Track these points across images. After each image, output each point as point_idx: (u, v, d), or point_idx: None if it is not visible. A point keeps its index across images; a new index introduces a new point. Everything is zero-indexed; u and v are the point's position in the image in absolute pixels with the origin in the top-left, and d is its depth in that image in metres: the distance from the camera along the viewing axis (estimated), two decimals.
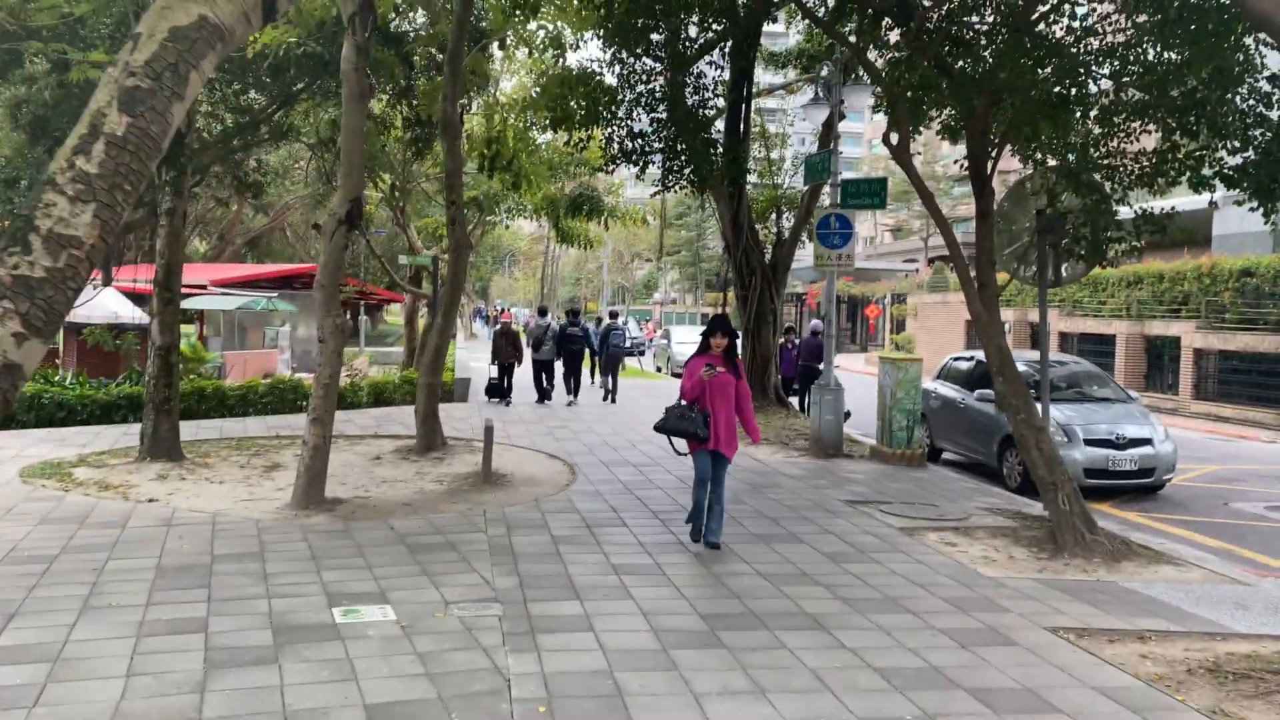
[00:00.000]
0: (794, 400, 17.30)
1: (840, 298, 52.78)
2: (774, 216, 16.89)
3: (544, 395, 18.81)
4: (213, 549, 7.21)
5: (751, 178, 16.92)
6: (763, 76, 19.85)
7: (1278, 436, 18.37)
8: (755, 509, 9.22)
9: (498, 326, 22.84)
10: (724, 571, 6.97)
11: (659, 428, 7.78)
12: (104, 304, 21.00)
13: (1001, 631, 5.75)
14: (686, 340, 31.48)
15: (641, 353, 38.36)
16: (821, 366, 16.73)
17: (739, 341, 8.81)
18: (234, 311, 25.99)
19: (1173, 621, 6.10)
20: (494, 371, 18.81)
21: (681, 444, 7.80)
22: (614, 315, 22.02)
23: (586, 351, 20.16)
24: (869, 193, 13.09)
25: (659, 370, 31.82)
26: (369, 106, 12.98)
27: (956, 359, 14.24)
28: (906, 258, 62.47)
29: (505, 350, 18.67)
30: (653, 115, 13.87)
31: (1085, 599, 6.55)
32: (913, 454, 12.56)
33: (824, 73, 16.72)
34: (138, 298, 25.83)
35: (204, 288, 25.92)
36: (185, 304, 25.41)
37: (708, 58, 15.44)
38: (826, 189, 14.02)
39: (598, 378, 21.31)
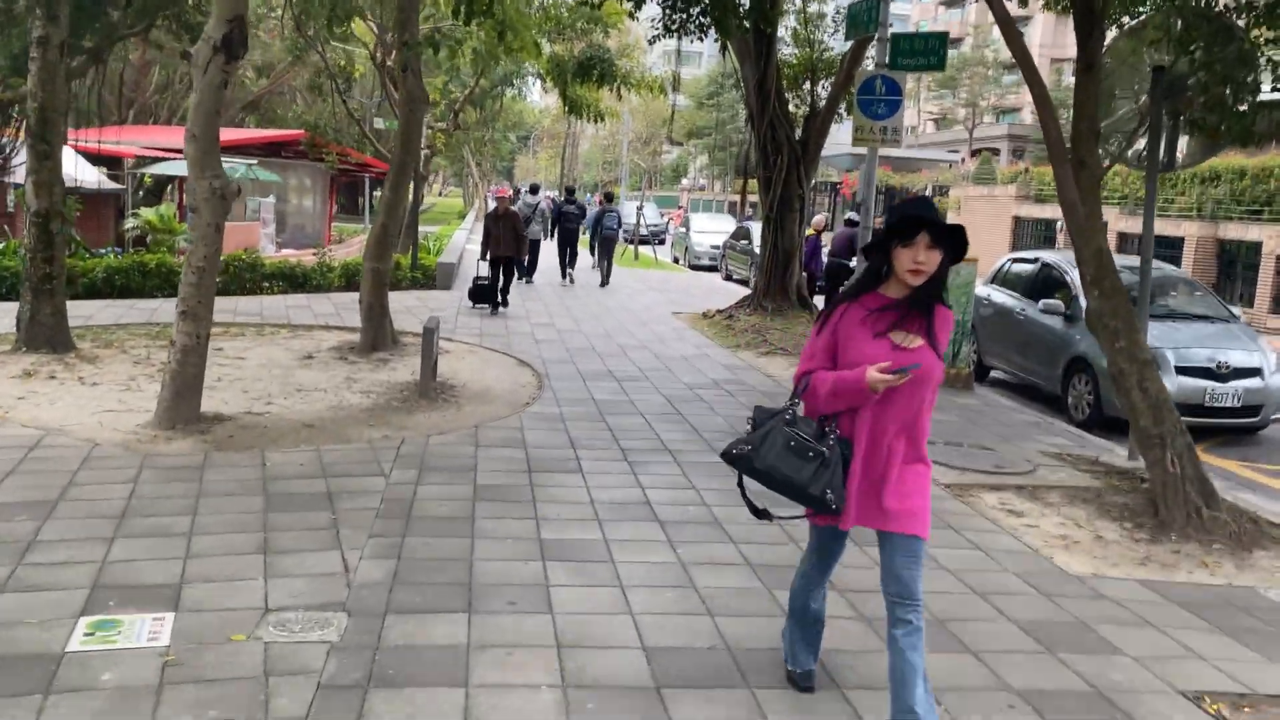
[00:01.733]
0: (819, 301, 15.07)
1: (877, 188, 49.76)
2: (808, 84, 14.32)
3: (527, 274, 18.62)
4: None
5: (783, 35, 14.25)
6: None
7: None
8: None
9: (538, 221, 20.04)
10: (693, 558, 4.93)
11: (735, 458, 3.27)
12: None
13: (1119, 703, 3.68)
14: (707, 229, 29.05)
15: (661, 241, 35.88)
16: (854, 264, 14.48)
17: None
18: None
19: None
20: (482, 268, 14.29)
21: (785, 504, 3.37)
22: (609, 198, 21.16)
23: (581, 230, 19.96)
24: (924, 50, 10.55)
25: (676, 261, 29.47)
26: None
27: (1016, 260, 11.89)
28: (949, 148, 58.89)
29: (499, 239, 14.17)
30: None
31: (1222, 624, 4.47)
32: (958, 374, 10.38)
33: None
34: (102, 160, 23.67)
35: (179, 152, 23.65)
36: (154, 170, 23.28)
37: None
38: (872, 49, 11.48)
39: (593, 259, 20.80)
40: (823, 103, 14.25)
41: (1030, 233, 28.99)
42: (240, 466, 5.90)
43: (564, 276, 19.36)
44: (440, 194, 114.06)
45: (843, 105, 13.88)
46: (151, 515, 4.96)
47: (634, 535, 5.09)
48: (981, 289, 11.46)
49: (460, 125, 20.99)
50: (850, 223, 15.07)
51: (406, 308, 14.18)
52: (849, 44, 12.65)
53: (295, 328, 11.94)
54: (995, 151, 57.07)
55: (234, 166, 23.07)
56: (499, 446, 6.71)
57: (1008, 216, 29.60)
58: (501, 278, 14.17)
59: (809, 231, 15.49)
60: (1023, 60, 6.69)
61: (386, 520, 5.08)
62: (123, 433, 6.57)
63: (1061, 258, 10.96)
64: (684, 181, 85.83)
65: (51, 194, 8.93)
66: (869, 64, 12.12)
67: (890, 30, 10.72)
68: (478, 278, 14.19)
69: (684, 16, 11.49)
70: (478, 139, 54.02)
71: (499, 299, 14.01)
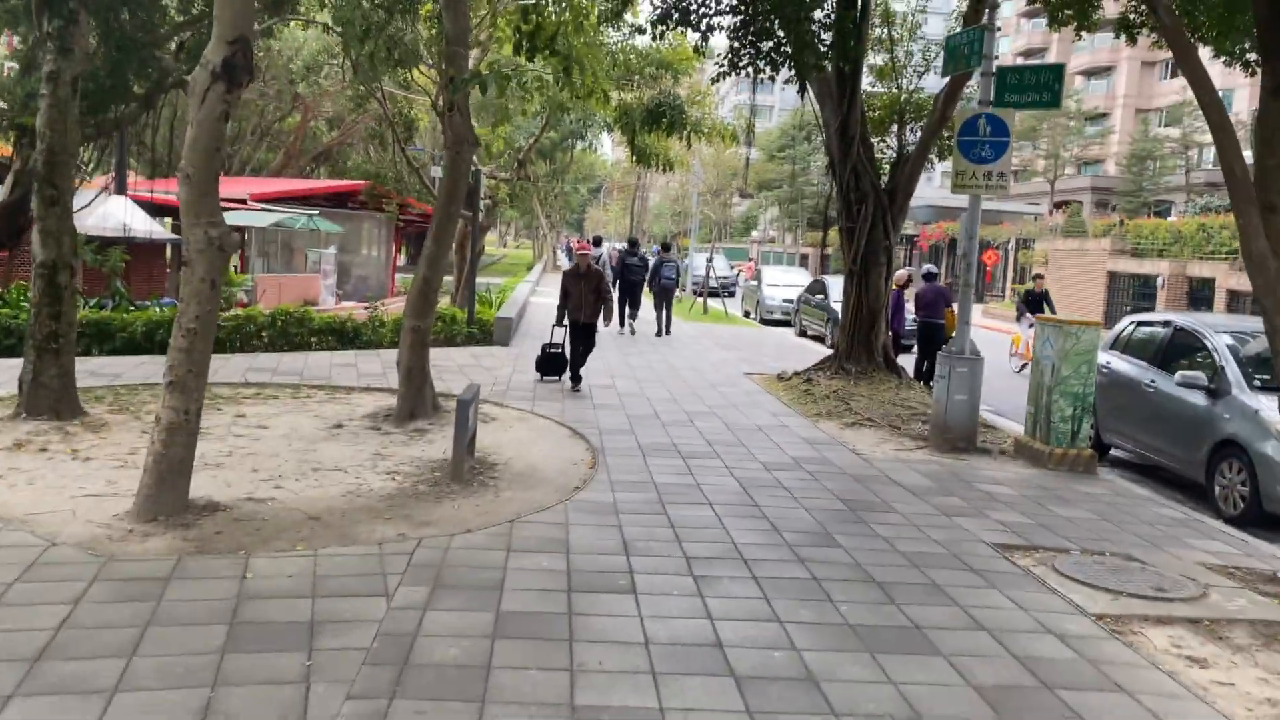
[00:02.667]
0: (906, 363, 13.69)
1: (956, 240, 47.94)
2: (894, 128, 13.10)
3: None
4: None
5: (868, 74, 13.07)
6: None
7: None
8: (852, 558, 5.80)
9: (606, 274, 18.75)
10: None
11: None
12: (113, 214, 18.45)
13: None
14: (779, 282, 27.80)
15: (731, 293, 34.69)
16: (943, 322, 13.12)
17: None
18: (273, 230, 23.36)
19: None
20: (556, 334, 12.29)
21: None
22: (665, 248, 21.31)
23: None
24: (1036, 85, 9.27)
25: (747, 315, 28.23)
26: None
27: (1141, 323, 10.40)
28: (1029, 201, 56.88)
29: (580, 302, 11.78)
30: None
31: None
32: (1079, 456, 8.93)
33: None
34: (156, 209, 23.42)
35: (243, 202, 23.38)
36: None
37: None
38: (971, 85, 10.25)
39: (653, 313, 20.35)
40: (911, 148, 13.01)
41: (1127, 288, 27.15)
42: (215, 579, 4.80)
43: (623, 326, 19.09)
44: (505, 245, 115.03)
45: (934, 151, 12.63)
46: (75, 658, 3.85)
47: (701, 702, 3.82)
48: (1100, 355, 10.01)
49: (525, 175, 20.21)
50: (929, 276, 13.72)
51: (459, 366, 13.19)
52: (945, 80, 11.43)
53: (334, 389, 10.98)
54: (1078, 204, 54.98)
55: (294, 217, 22.65)
56: (536, 551, 5.51)
57: (1101, 271, 27.80)
58: (579, 349, 11.93)
59: (892, 285, 14.19)
60: (1198, 82, 5.41)
61: (375, 669, 3.89)
62: (95, 525, 5.54)
63: (1197, 321, 9.47)
64: (754, 234, 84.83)
65: (60, 244, 8.10)
66: (968, 102, 10.89)
67: (995, 63, 9.47)
68: (549, 345, 12.24)
69: (754, 53, 10.37)
70: (547, 190, 53.93)
71: (574, 376, 11.79)
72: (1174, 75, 57.11)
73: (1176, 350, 9.45)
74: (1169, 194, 52.48)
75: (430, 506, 6.37)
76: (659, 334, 18.87)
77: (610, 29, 19.24)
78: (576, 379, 11.77)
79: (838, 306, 21.53)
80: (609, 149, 79.51)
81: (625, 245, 22.13)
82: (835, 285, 22.78)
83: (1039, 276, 18.87)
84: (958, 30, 10.20)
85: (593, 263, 12.25)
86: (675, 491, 7.13)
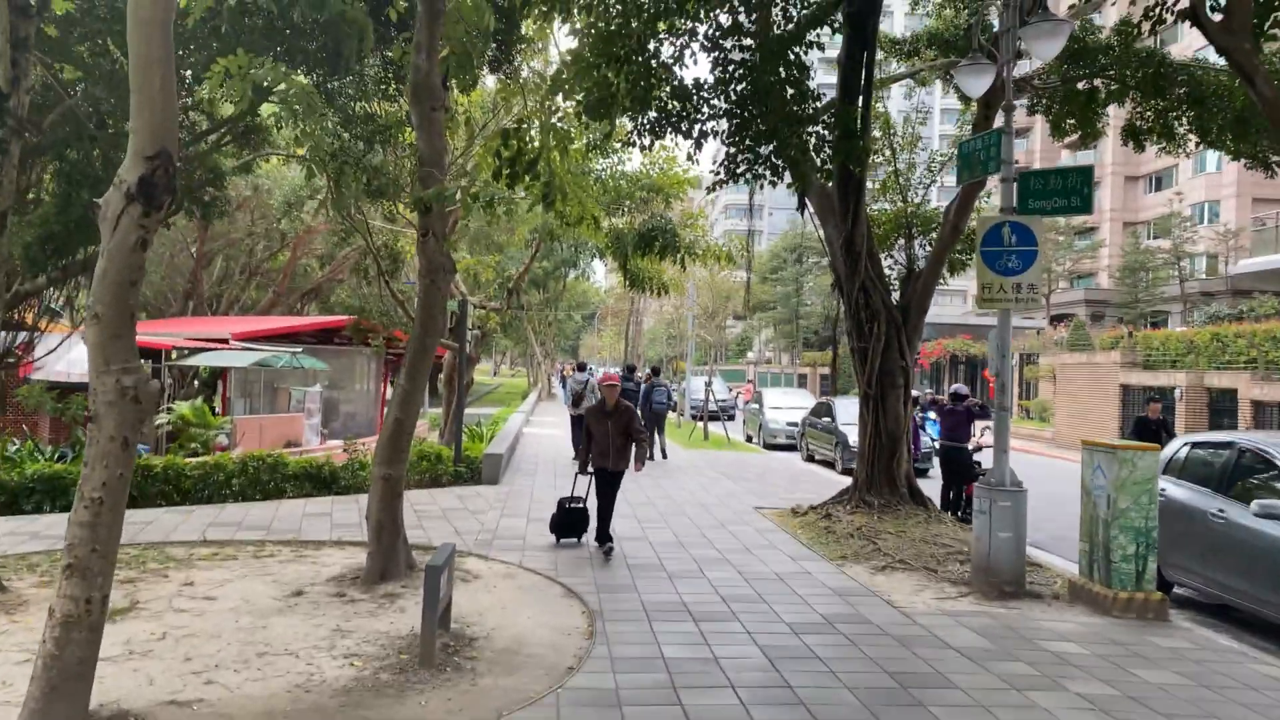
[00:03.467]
0: (929, 490, 12.59)
1: (957, 357, 47.31)
2: (900, 242, 12.40)
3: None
4: None
5: (870, 188, 12.41)
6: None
7: None
8: None
9: (592, 399, 18.38)
10: None
11: None
12: (80, 359, 17.58)
13: None
14: (781, 405, 26.89)
15: (730, 417, 33.69)
16: (970, 446, 12.12)
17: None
18: (255, 370, 22.51)
19: None
20: (579, 485, 10.43)
21: None
22: (655, 372, 21.33)
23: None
24: (1064, 189, 8.53)
25: (749, 440, 27.19)
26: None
27: (1196, 445, 9.38)
28: (1023, 315, 56.61)
29: (607, 446, 9.81)
30: (717, 54, 9.53)
31: None
32: (1147, 600, 7.80)
33: (961, 64, 12.40)
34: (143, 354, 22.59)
35: (225, 342, 22.62)
36: (192, 361, 22.11)
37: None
38: (989, 192, 9.48)
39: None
40: (921, 262, 12.26)
41: (1140, 402, 26.23)
42: None
43: None
44: (497, 373, 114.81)
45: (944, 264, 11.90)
46: None
47: None
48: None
49: (513, 305, 19.53)
50: (958, 397, 12.79)
51: (443, 510, 12.09)
52: (959, 188, 10.75)
53: (302, 545, 9.85)
54: (1076, 317, 54.68)
55: (277, 356, 21.82)
56: None
57: (1113, 385, 26.95)
58: (606, 503, 9.86)
59: (917, 412, 13.31)
60: None
61: None
62: None
63: (1267, 442, 8.47)
64: (750, 355, 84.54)
65: None
66: (983, 209, 10.14)
67: (1014, 169, 8.75)
68: (568, 500, 10.12)
69: (751, 158, 9.66)
70: (541, 319, 53.63)
71: (602, 535, 9.71)
72: (1158, 189, 57.85)
73: (1243, 474, 8.41)
74: (1164, 304, 52.34)
75: (392, 704, 5.21)
76: (650, 457, 18.44)
77: (599, 155, 18.95)
78: (605, 539, 9.66)
79: (846, 430, 20.63)
80: (602, 276, 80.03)
81: (623, 372, 22.16)
82: (842, 407, 21.90)
83: (1154, 400, 14.71)
84: (969, 137, 9.53)
85: (619, 398, 10.03)
86: (689, 670, 5.97)
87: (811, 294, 69.31)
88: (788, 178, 9.84)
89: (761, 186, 9.91)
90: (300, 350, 21.91)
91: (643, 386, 20.06)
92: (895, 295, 11.98)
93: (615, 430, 9.75)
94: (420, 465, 14.65)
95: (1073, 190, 8.48)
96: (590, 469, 10.04)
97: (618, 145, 17.75)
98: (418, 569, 8.36)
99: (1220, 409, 22.90)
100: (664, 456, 19.24)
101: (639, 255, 17.92)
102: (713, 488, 15.08)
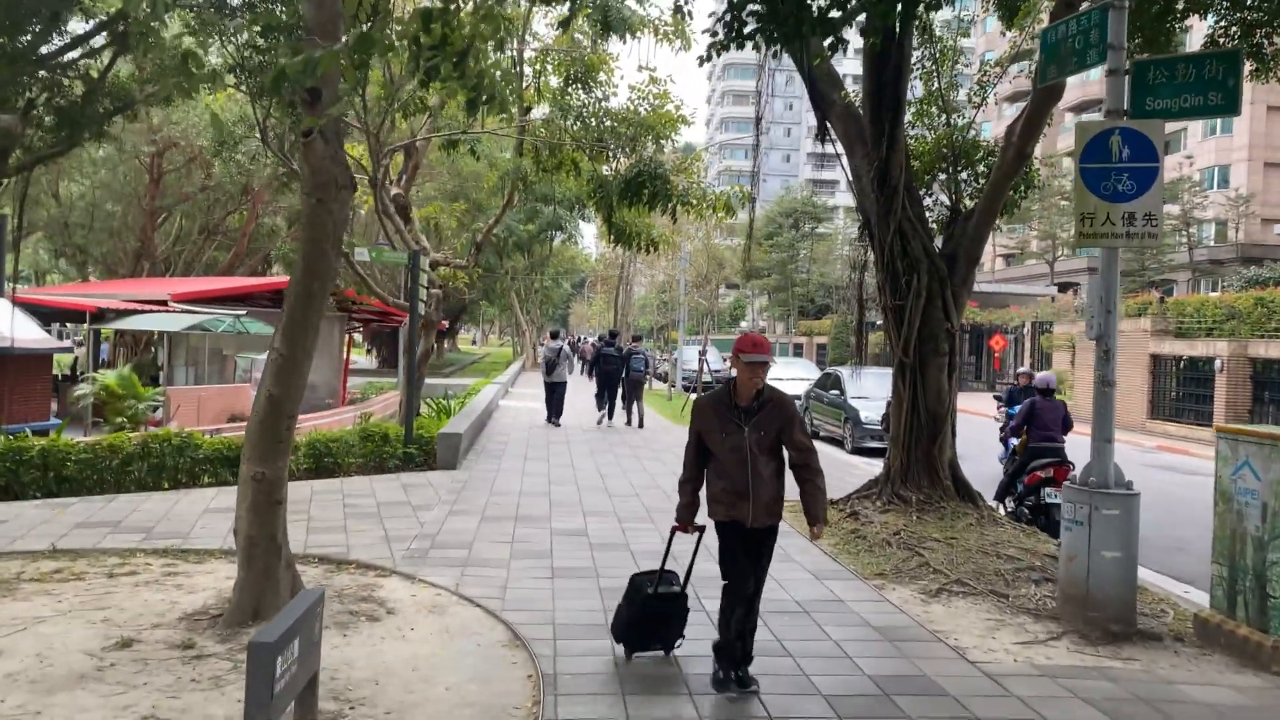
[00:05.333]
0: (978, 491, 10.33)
1: (963, 326, 45.06)
2: (943, 177, 10.07)
3: (552, 417, 18.69)
4: None
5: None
6: None
7: None
8: None
9: (565, 367, 19.59)
10: None
11: None
12: None
13: None
14: (782, 376, 24.55)
15: None
16: (1060, 444, 9.87)
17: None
18: (200, 336, 20.11)
19: None
20: (679, 558, 5.95)
21: None
22: (636, 339, 21.75)
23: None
24: (1200, 81, 6.22)
25: None
26: None
27: None
28: (1026, 284, 54.34)
29: (748, 474, 4.89)
30: None
31: None
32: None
33: None
34: (52, 315, 20.24)
35: (163, 304, 20.24)
36: (120, 325, 19.73)
37: None
38: (1074, 94, 7.07)
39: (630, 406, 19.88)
40: (968, 201, 9.93)
41: (1172, 373, 24.09)
42: None
43: (601, 414, 19.38)
44: (476, 342, 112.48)
45: (1011, 197, 9.59)
46: None
47: None
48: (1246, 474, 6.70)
49: (480, 262, 17.17)
50: (1047, 390, 10.24)
51: (380, 505, 9.84)
52: (1029, 101, 8.39)
53: (181, 556, 7.59)
54: (1076, 286, 52.54)
55: (218, 319, 19.45)
56: None
57: (1142, 355, 24.75)
58: (734, 594, 5.07)
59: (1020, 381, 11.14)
60: None
61: None
62: None
63: None
64: (743, 324, 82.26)
65: None
66: (1067, 123, 7.77)
67: (1125, 60, 6.42)
68: (650, 579, 5.53)
69: (762, 11, 6.98)
70: (526, 285, 51.17)
71: (733, 657, 5.00)
72: (1167, 153, 55.49)
73: None
74: (1171, 272, 50.23)
75: None
76: (628, 423, 19.07)
77: (580, 89, 16.54)
78: (739, 663, 5.00)
79: (857, 405, 18.41)
80: (591, 242, 77.51)
81: (607, 336, 21.95)
82: (850, 379, 19.67)
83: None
84: (1055, 22, 7.17)
85: (779, 390, 5.12)
86: None
87: (806, 260, 67.00)
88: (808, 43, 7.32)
89: (776, 54, 7.48)
90: (245, 313, 19.52)
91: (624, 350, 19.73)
92: (937, 242, 9.67)
93: (760, 445, 4.89)
94: (364, 447, 12.38)
95: (1213, 83, 6.17)
96: (694, 524, 5.21)
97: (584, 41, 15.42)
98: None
99: (1267, 381, 20.74)
100: (640, 425, 19.00)
101: (625, 205, 15.62)
102: None
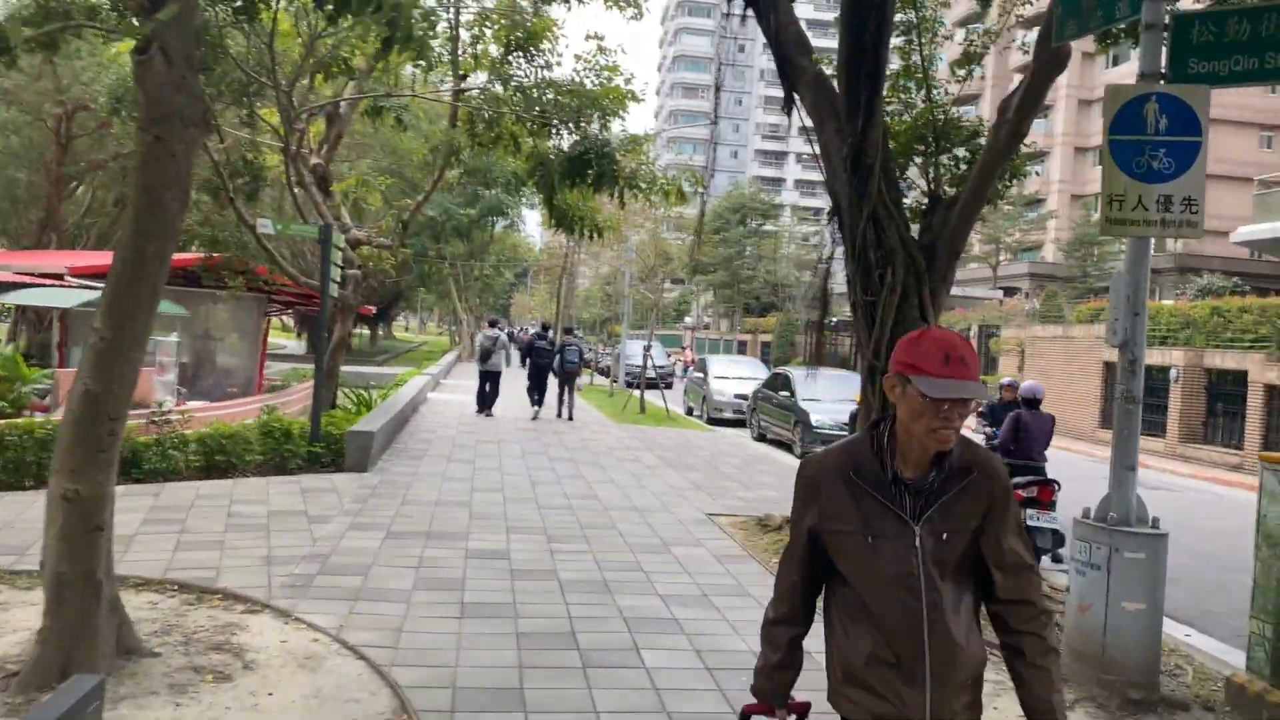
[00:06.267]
0: None
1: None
2: (919, 161, 9.01)
3: (485, 406, 18.55)
4: None
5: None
6: None
7: None
8: None
9: (502, 356, 19.24)
10: None
11: None
12: None
13: None
14: (728, 375, 23.61)
15: (669, 385, 30.25)
16: (1041, 462, 8.94)
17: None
18: (92, 311, 18.37)
19: None
20: None
21: None
22: (569, 331, 21.79)
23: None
24: (1254, 40, 5.18)
25: (690, 413, 23.87)
26: None
27: None
28: (967, 287, 54.18)
29: (898, 605, 2.26)
30: None
31: None
32: None
33: None
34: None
35: (60, 278, 18.51)
36: (10, 299, 17.98)
37: None
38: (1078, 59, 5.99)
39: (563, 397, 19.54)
40: (947, 188, 8.87)
41: None
42: None
43: (534, 406, 19.04)
44: (408, 330, 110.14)
45: (1002, 182, 8.55)
46: None
47: None
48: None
49: (408, 243, 15.77)
50: (1033, 402, 9.46)
51: (270, 514, 8.49)
52: (1030, 69, 7.35)
53: (4, 581, 6.20)
54: (1017, 291, 52.45)
55: None
56: None
57: (1094, 362, 24.21)
58: None
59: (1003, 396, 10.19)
60: None
61: None
62: None
63: None
64: (687, 320, 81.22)
65: None
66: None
67: (1165, 6, 5.37)
68: None
69: None
70: (466, 273, 49.52)
71: None
72: None
73: None
74: (1110, 280, 50.37)
75: None
76: (559, 416, 18.75)
77: (522, 58, 15.23)
78: None
79: (808, 408, 17.42)
80: (535, 230, 76.01)
81: (539, 329, 21.57)
82: (801, 381, 18.67)
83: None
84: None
85: (979, 448, 2.50)
86: None
87: (753, 258, 66.19)
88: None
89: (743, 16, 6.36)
90: None
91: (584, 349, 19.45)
92: (916, 233, 8.59)
93: (944, 558, 2.27)
94: (263, 444, 10.99)
95: (1271, 42, 5.14)
96: (790, 705, 2.49)
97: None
98: (142, 654, 4.79)
99: (1223, 393, 20.23)
100: (570, 418, 18.67)
101: (568, 186, 14.38)
102: (651, 481, 11.67)
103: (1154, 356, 22.17)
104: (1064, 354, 25.98)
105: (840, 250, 8.95)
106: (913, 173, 9.38)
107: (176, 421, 11.29)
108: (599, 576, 6.97)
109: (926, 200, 8.85)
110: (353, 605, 5.98)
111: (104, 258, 21.41)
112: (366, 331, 74.43)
